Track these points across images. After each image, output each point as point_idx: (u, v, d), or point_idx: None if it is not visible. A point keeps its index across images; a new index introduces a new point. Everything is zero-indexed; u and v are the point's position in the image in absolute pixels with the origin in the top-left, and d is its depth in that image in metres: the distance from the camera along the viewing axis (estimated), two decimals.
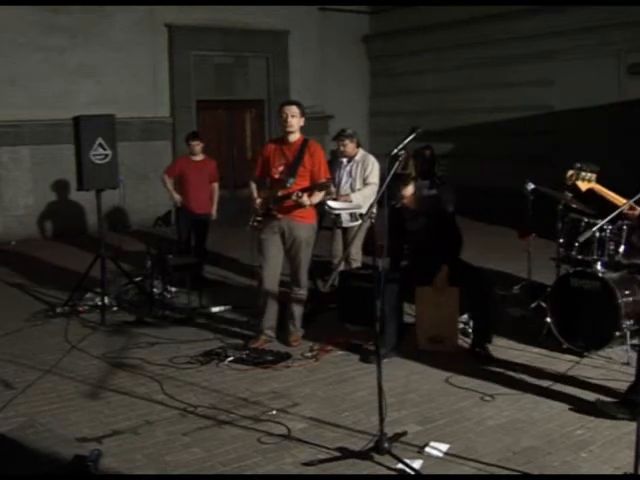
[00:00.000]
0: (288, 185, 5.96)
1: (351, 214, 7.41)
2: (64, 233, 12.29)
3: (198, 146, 8.88)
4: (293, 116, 5.99)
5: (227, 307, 7.40)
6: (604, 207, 4.88)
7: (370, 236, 4.67)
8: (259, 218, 6.12)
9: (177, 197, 8.78)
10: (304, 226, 6.10)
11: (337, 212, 7.31)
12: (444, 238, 5.93)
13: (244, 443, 4.37)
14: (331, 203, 6.99)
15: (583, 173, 4.47)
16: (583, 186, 4.52)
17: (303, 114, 6.05)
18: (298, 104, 6.10)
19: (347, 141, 7.51)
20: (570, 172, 4.55)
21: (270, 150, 6.20)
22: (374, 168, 7.41)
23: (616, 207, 4.65)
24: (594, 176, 4.54)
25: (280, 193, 6.01)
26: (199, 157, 8.93)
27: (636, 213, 4.63)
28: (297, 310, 6.27)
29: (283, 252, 6.18)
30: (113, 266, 7.65)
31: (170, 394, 5.13)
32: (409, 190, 5.90)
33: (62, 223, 12.53)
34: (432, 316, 5.92)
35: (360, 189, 7.36)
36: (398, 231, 6.06)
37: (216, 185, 8.99)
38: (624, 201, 4.59)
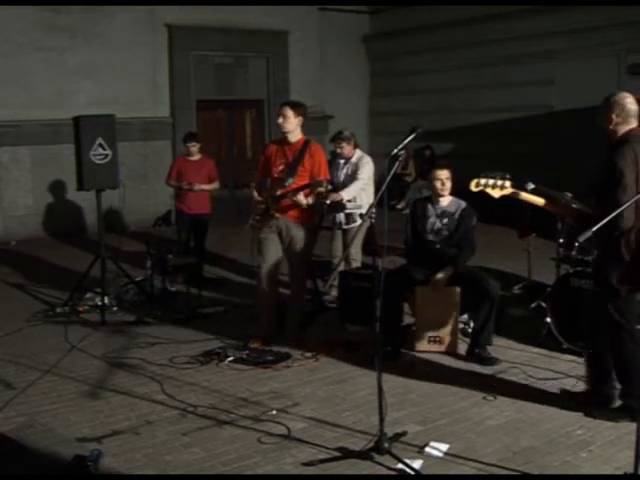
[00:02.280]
0: (287, 184, 5.97)
1: (347, 216, 7.42)
2: (64, 233, 12.29)
3: (195, 147, 8.84)
4: (285, 117, 5.99)
5: (227, 307, 7.40)
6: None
7: (370, 236, 4.66)
8: (258, 217, 6.13)
9: (184, 183, 8.69)
10: (301, 225, 6.09)
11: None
12: (459, 244, 5.96)
13: (244, 443, 4.37)
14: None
15: (492, 181, 4.49)
16: (495, 193, 4.56)
17: (300, 114, 6.02)
18: (292, 105, 6.09)
19: (344, 143, 7.53)
20: (475, 181, 4.57)
21: (272, 150, 6.21)
22: (366, 167, 7.43)
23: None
24: (507, 182, 4.55)
25: (278, 192, 6.01)
26: (196, 157, 8.90)
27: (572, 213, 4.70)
28: (296, 309, 6.27)
29: (281, 251, 6.18)
30: (113, 266, 7.65)
31: (170, 394, 5.13)
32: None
33: (62, 223, 12.53)
34: (432, 316, 5.92)
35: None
36: (420, 223, 6.06)
37: (217, 184, 8.95)
38: (542, 201, 4.63)
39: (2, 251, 11.05)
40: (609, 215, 4.04)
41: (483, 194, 4.65)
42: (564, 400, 4.90)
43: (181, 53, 13.58)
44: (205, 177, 8.79)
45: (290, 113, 5.99)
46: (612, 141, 4.49)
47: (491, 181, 4.48)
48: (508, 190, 4.51)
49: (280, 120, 6.02)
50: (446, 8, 14.54)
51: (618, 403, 4.66)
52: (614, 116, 4.44)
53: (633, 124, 4.48)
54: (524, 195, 4.68)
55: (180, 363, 5.77)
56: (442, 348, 5.92)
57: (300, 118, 6.03)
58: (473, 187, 4.61)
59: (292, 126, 6.01)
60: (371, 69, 17.03)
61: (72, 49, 12.49)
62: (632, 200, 4.01)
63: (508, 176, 4.63)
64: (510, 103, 13.85)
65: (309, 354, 5.90)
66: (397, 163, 4.31)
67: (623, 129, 4.46)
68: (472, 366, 5.58)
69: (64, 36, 12.39)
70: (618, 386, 4.66)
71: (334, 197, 7.07)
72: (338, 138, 7.59)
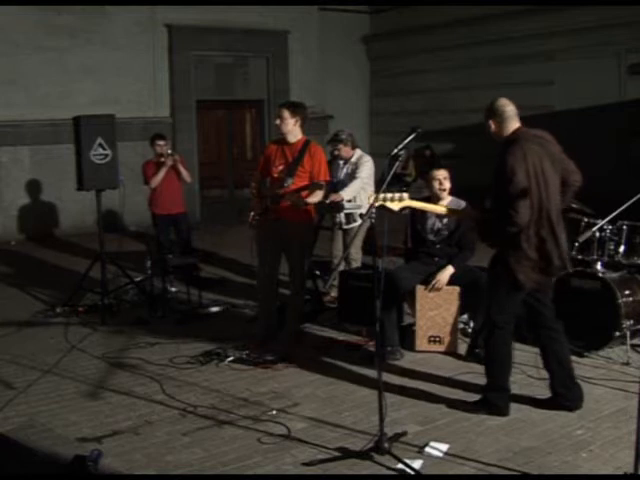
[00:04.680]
0: (286, 185, 5.96)
1: (347, 216, 7.42)
2: (64, 233, 12.30)
3: (166, 147, 8.69)
4: (282, 118, 5.97)
5: (227, 307, 7.40)
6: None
7: (370, 236, 4.66)
8: (257, 217, 6.12)
9: (160, 178, 8.39)
10: (301, 226, 6.08)
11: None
12: (459, 244, 5.97)
13: (244, 443, 4.37)
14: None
15: (390, 195, 4.50)
16: (395, 206, 4.55)
17: (297, 115, 5.98)
18: (289, 106, 6.07)
19: (341, 146, 7.51)
20: (373, 196, 4.57)
21: (272, 150, 6.20)
22: (365, 165, 7.43)
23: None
24: (405, 195, 4.55)
25: (277, 192, 6.01)
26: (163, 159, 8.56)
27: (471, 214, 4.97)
28: (296, 310, 6.27)
29: (281, 251, 6.17)
30: (113, 266, 7.65)
31: (170, 394, 5.13)
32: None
33: (62, 223, 12.54)
34: (432, 316, 5.93)
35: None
36: (420, 223, 6.07)
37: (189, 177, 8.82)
38: (441, 209, 4.92)
39: (2, 251, 11.05)
40: (504, 213, 4.36)
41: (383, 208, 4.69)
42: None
43: (181, 53, 13.58)
44: (174, 177, 8.53)
45: (287, 114, 5.98)
46: (502, 142, 4.65)
47: (389, 195, 4.50)
48: (407, 202, 4.52)
49: (277, 122, 6.02)
50: (446, 8, 14.54)
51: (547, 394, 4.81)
52: (492, 122, 4.66)
53: (516, 124, 4.66)
54: (423, 206, 4.84)
55: (180, 363, 5.76)
56: (442, 348, 5.92)
57: (297, 119, 6.00)
58: (371, 201, 4.59)
59: (289, 127, 6.00)
60: (371, 69, 17.03)
61: (72, 49, 12.50)
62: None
63: (405, 189, 4.75)
64: None
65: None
66: (397, 163, 4.32)
67: (506, 130, 4.64)
68: (472, 366, 5.57)
69: (64, 36, 12.40)
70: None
71: (334, 197, 7.07)
72: (335, 141, 7.58)
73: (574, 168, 4.80)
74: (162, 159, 8.42)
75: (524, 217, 4.39)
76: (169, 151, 8.51)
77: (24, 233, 12.23)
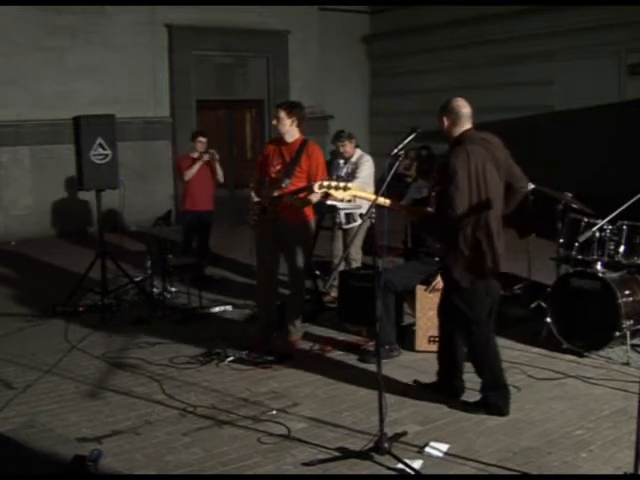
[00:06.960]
0: (284, 185, 5.96)
1: (347, 216, 7.42)
2: (64, 233, 12.30)
3: (207, 144, 8.78)
4: (279, 119, 5.99)
5: (227, 307, 7.40)
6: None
7: (370, 236, 4.66)
8: (256, 218, 6.12)
9: (194, 170, 8.59)
10: (299, 226, 6.08)
11: (342, 210, 7.31)
12: None
13: (244, 443, 4.37)
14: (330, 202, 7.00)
15: (334, 183, 4.57)
16: (339, 195, 4.62)
17: (293, 115, 6.00)
18: (285, 106, 6.07)
19: (347, 142, 7.56)
20: (318, 183, 4.63)
21: (270, 150, 6.20)
22: (365, 165, 7.46)
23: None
24: (350, 184, 4.62)
25: (275, 193, 6.00)
26: (197, 155, 8.78)
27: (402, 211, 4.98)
28: (296, 310, 6.27)
29: (280, 251, 6.17)
30: (113, 266, 7.65)
31: (170, 394, 5.13)
32: None
33: (62, 223, 12.54)
34: (432, 316, 5.92)
35: None
36: None
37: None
38: (386, 202, 4.68)
39: (2, 251, 11.05)
40: (445, 212, 4.45)
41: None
42: (563, 400, 4.92)
43: (181, 53, 13.58)
44: (207, 174, 8.70)
45: (283, 115, 5.99)
46: (450, 141, 4.73)
47: (334, 183, 4.57)
48: (352, 191, 4.57)
49: (274, 122, 6.05)
50: (446, 8, 14.54)
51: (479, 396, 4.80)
52: (445, 119, 4.74)
53: (467, 125, 4.72)
54: (368, 196, 4.75)
55: (180, 363, 5.76)
56: None
57: (294, 119, 6.00)
58: (317, 189, 4.68)
59: (286, 128, 6.01)
60: (371, 69, 17.03)
61: (72, 49, 12.49)
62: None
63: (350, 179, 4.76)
64: (510, 103, 13.85)
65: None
66: (397, 163, 4.33)
67: (457, 131, 4.71)
68: (472, 366, 5.56)
69: (64, 36, 12.39)
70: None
71: (334, 197, 7.08)
72: (341, 137, 7.63)
73: (521, 174, 4.87)
74: (204, 156, 8.57)
75: (461, 216, 4.47)
76: (210, 150, 8.67)
77: (24, 233, 12.21)
